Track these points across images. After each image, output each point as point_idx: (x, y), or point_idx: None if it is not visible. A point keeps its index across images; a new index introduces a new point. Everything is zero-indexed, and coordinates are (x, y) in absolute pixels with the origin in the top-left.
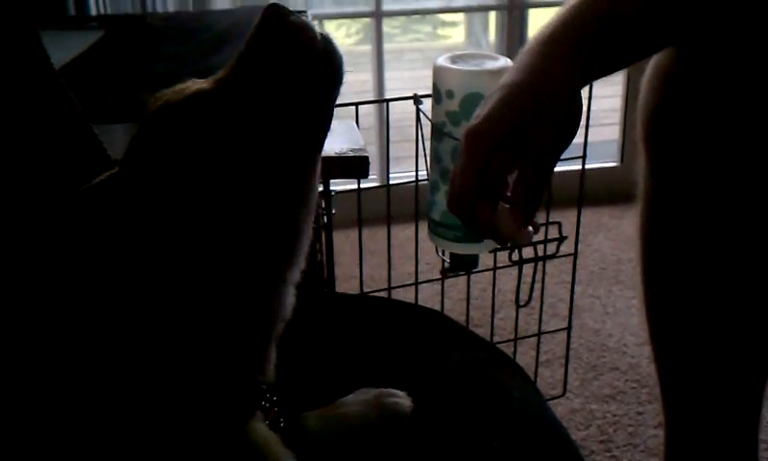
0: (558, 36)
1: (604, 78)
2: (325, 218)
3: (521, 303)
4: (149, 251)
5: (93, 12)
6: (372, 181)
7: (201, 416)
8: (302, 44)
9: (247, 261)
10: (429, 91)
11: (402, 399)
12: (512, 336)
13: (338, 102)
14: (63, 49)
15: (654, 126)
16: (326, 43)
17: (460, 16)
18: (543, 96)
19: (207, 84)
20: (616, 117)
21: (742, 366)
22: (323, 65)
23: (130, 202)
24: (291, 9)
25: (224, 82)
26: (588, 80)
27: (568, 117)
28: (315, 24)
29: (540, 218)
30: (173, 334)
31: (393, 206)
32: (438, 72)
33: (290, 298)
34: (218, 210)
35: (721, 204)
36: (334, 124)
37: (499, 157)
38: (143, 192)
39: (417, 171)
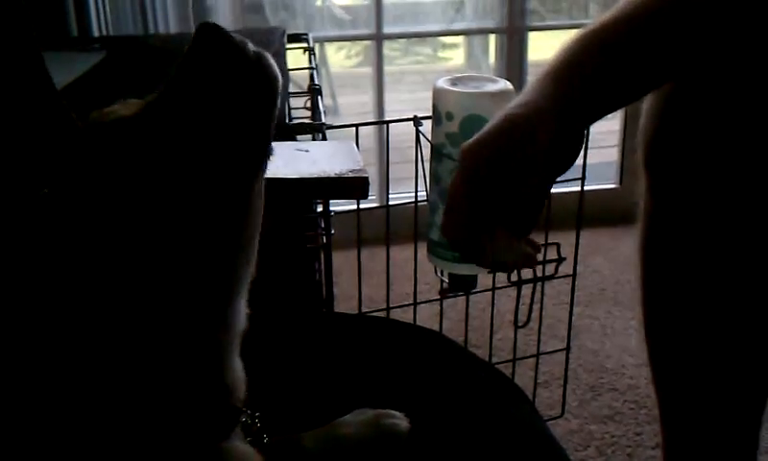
0: (558, 72)
1: None
2: (324, 238)
3: (520, 324)
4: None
5: (96, 32)
6: (372, 201)
7: (167, 435)
8: (232, 62)
9: (189, 278)
10: (429, 113)
11: (400, 419)
12: (510, 357)
13: (339, 123)
14: (66, 70)
15: (654, 150)
16: (260, 59)
17: (460, 39)
18: (531, 126)
19: (134, 108)
20: (615, 139)
21: (742, 388)
22: (255, 83)
23: (58, 221)
24: (291, 31)
25: (150, 106)
26: (585, 117)
27: (557, 149)
28: (248, 43)
29: (540, 239)
30: (123, 353)
31: (392, 227)
32: (438, 94)
33: (242, 309)
34: (147, 232)
35: (720, 227)
36: (334, 145)
37: (491, 180)
38: (71, 214)
39: (416, 192)
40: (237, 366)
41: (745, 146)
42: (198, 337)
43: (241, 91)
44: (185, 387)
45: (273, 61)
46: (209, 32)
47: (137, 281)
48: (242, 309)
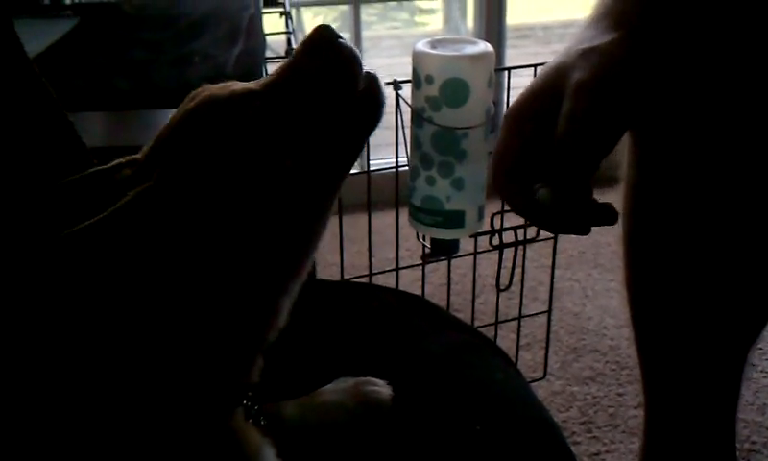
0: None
1: None
2: None
3: (502, 288)
4: (170, 250)
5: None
6: (353, 167)
7: (186, 415)
8: (350, 75)
9: (258, 268)
10: (408, 79)
11: (382, 387)
12: (492, 320)
13: None
14: (38, 38)
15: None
16: (372, 82)
17: (437, 3)
18: (589, 50)
19: (255, 85)
20: None
21: (722, 346)
22: (363, 102)
23: (170, 197)
24: None
25: (271, 86)
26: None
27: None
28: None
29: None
30: (172, 334)
31: (373, 193)
32: (417, 57)
33: (287, 308)
34: (247, 215)
35: (703, 189)
36: None
37: (537, 126)
38: (182, 187)
39: (397, 157)
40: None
41: (733, 115)
42: (252, 323)
43: (350, 105)
44: (219, 370)
45: (383, 86)
46: (331, 36)
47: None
48: (286, 309)
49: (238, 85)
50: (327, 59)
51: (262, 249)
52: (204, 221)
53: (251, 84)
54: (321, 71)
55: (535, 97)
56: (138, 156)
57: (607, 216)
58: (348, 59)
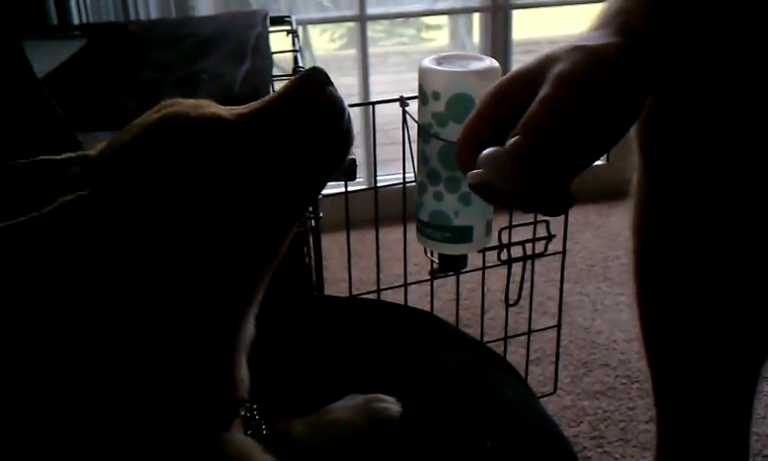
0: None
1: None
2: (313, 221)
3: (511, 302)
4: (97, 261)
5: (75, 20)
6: (360, 184)
7: (169, 428)
8: (331, 118)
9: (204, 290)
10: (414, 94)
11: (391, 404)
12: (502, 335)
13: None
14: (46, 58)
15: (648, 133)
16: (347, 124)
17: (444, 19)
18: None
19: (227, 112)
20: None
21: (735, 361)
22: (338, 144)
23: (116, 203)
24: (274, 14)
25: (244, 118)
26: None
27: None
28: (344, 104)
29: (529, 217)
30: (141, 345)
31: (380, 209)
32: (423, 74)
33: (252, 317)
34: (201, 234)
35: (714, 206)
36: None
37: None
38: (119, 202)
39: (404, 173)
40: (243, 363)
41: (739, 126)
42: (211, 339)
43: (326, 146)
44: (193, 382)
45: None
46: (318, 79)
47: (170, 278)
48: (252, 317)
49: (210, 108)
50: (310, 103)
51: (206, 273)
52: (139, 238)
53: (223, 111)
54: (300, 114)
55: (516, 79)
56: (91, 152)
57: (559, 203)
58: (332, 109)
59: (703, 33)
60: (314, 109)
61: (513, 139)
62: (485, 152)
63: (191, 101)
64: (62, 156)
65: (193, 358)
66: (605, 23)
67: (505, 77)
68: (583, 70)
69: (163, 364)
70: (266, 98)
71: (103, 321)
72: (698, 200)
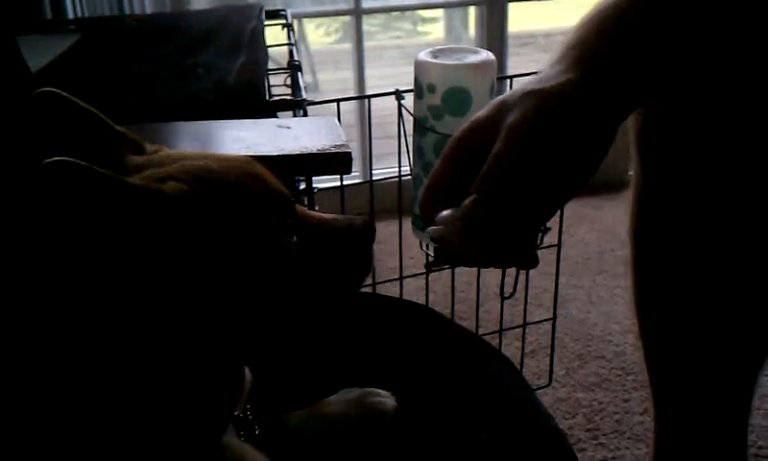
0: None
1: None
2: None
3: (506, 295)
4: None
5: (70, 14)
6: (355, 177)
7: (168, 433)
8: (365, 264)
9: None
10: (410, 87)
11: (386, 398)
12: (497, 328)
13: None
14: (40, 53)
15: (645, 133)
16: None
17: (439, 12)
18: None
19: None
20: None
21: (733, 354)
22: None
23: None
24: (269, 8)
25: (307, 221)
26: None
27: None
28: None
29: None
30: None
31: (376, 202)
32: (419, 66)
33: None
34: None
35: (711, 204)
36: (316, 121)
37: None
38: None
39: (399, 166)
40: (244, 372)
41: (735, 125)
42: (216, 359)
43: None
44: (203, 389)
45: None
46: (370, 236)
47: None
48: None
49: (279, 189)
50: (357, 250)
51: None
52: (192, 266)
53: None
54: (345, 250)
55: (474, 129)
56: (148, 146)
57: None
58: (366, 267)
59: (660, 53)
60: (356, 255)
61: (465, 201)
62: (441, 214)
63: (264, 172)
64: (120, 128)
65: (206, 368)
66: (562, 56)
67: (466, 125)
68: (532, 119)
69: (179, 371)
70: (331, 218)
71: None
72: (694, 193)
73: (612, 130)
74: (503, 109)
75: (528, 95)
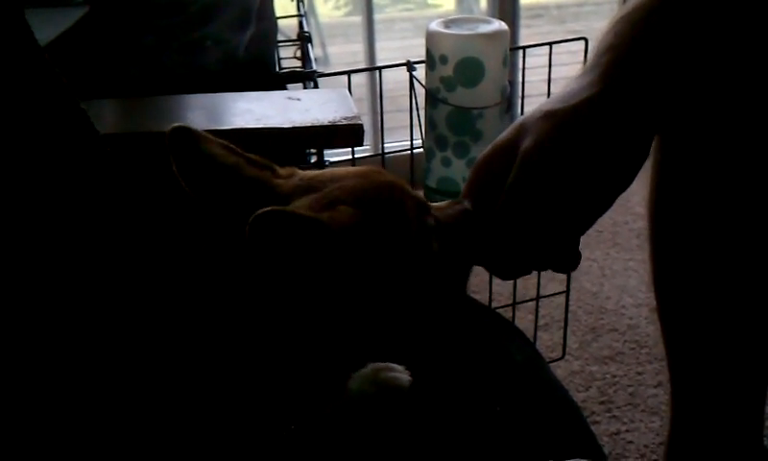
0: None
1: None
2: None
3: None
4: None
5: None
6: (367, 150)
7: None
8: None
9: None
10: (421, 60)
11: (400, 373)
12: (510, 301)
13: (330, 71)
14: (49, 26)
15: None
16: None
17: None
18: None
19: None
20: None
21: (752, 331)
22: None
23: None
24: None
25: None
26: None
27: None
28: None
29: None
30: None
31: None
32: (431, 37)
33: None
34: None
35: (731, 172)
36: (326, 93)
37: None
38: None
39: (411, 138)
40: None
41: (747, 108)
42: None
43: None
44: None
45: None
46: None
47: None
48: None
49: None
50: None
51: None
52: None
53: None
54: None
55: (496, 151)
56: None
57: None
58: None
59: (693, 60)
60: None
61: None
62: None
63: (390, 177)
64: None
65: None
66: (592, 66)
67: (487, 150)
68: (546, 144)
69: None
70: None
71: None
72: (715, 163)
73: (642, 140)
74: (522, 132)
75: (544, 118)
